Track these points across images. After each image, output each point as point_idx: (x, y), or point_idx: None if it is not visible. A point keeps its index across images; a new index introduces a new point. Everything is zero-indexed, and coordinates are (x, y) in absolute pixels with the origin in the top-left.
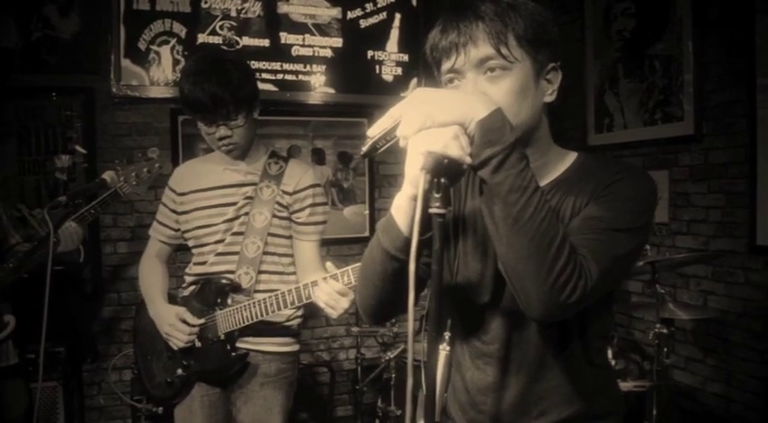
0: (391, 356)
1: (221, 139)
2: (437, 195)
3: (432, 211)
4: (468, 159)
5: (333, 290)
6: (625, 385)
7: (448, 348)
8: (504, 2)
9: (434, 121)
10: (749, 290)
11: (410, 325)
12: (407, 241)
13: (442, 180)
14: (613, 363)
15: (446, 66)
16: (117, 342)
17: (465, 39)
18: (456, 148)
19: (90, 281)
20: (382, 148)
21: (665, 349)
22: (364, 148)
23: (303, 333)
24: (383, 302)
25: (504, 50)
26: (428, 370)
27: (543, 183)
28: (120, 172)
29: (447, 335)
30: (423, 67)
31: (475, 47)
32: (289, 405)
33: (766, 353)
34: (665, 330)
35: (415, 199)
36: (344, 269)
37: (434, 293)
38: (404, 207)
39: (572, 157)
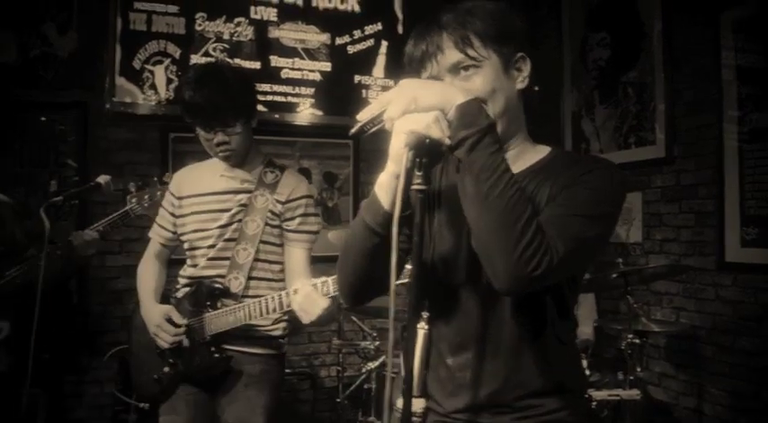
0: (372, 367)
1: (219, 144)
2: (419, 173)
3: (414, 187)
4: (447, 141)
5: (308, 294)
6: (598, 394)
7: (426, 327)
8: (462, 8)
9: (418, 105)
10: (719, 305)
11: (392, 285)
12: (388, 216)
13: (424, 159)
14: (588, 373)
15: (424, 76)
16: (100, 354)
17: (433, 48)
18: (436, 129)
19: (76, 293)
20: (370, 131)
21: (639, 360)
22: (353, 130)
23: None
24: (362, 280)
25: (471, 52)
26: (407, 343)
27: (520, 169)
28: (134, 193)
29: (425, 314)
30: None
31: (443, 54)
32: (272, 406)
33: (735, 366)
34: (637, 340)
35: (397, 176)
36: (328, 278)
37: (415, 262)
38: (386, 184)
39: (546, 149)
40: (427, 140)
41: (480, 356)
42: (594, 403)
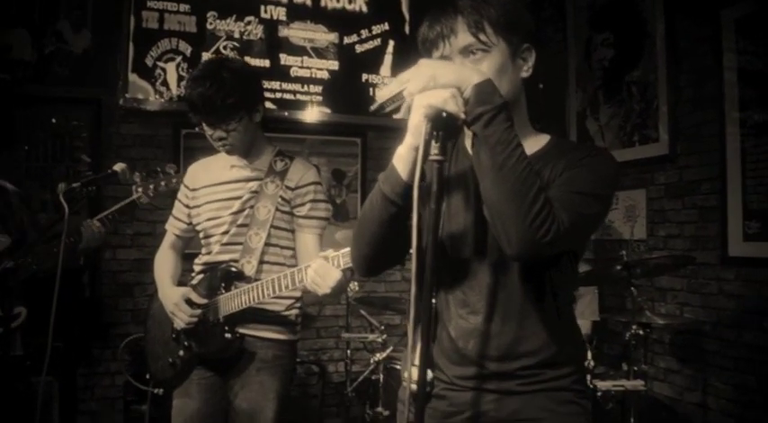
0: (379, 358)
1: (219, 139)
2: (436, 144)
3: (431, 158)
4: (462, 115)
5: (321, 266)
6: (603, 385)
7: (433, 301)
8: None
9: (436, 82)
10: (722, 299)
11: (414, 246)
12: (406, 187)
13: (440, 132)
14: (592, 364)
15: (436, 55)
16: (111, 347)
17: (448, 30)
18: (453, 104)
19: (88, 286)
20: (389, 108)
21: (643, 352)
22: (372, 107)
23: None
24: (377, 250)
25: (482, 37)
26: (424, 312)
27: None
28: (139, 184)
29: None
30: None
31: (456, 37)
32: (284, 392)
33: (740, 360)
34: (641, 331)
35: (415, 148)
36: (338, 252)
37: (433, 230)
38: (404, 155)
39: (546, 137)
40: (444, 114)
41: (484, 327)
42: (599, 393)
